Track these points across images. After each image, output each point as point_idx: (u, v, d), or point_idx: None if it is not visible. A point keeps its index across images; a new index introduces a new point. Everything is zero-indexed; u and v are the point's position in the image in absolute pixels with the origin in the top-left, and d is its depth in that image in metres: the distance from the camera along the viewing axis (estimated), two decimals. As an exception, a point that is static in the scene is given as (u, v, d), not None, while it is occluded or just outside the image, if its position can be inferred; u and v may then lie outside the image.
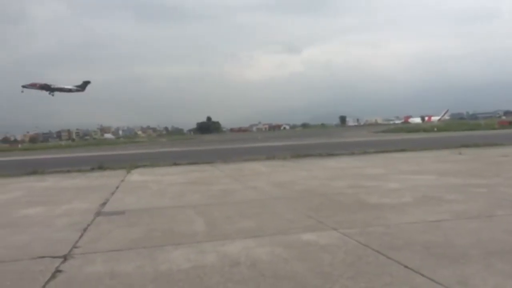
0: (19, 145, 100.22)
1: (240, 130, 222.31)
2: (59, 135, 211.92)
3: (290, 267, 5.44)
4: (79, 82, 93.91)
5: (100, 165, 20.97)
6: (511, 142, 26.83)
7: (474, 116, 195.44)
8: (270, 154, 24.18)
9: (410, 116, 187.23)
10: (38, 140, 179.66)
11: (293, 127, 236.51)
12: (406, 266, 5.21)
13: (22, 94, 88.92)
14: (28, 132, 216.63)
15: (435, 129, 64.01)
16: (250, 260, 5.77)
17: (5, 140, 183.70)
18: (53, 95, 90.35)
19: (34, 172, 20.19)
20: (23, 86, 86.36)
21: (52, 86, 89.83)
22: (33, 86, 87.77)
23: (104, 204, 10.79)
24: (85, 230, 8.00)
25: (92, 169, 20.59)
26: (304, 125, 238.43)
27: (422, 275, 4.91)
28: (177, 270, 5.49)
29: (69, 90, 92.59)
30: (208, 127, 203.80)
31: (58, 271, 5.66)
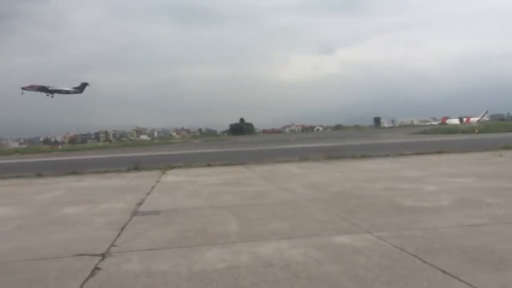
0: (60, 146, 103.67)
1: (273, 131, 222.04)
2: (97, 136, 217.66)
3: (324, 269, 5.41)
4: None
5: (136, 166, 21.43)
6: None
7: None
8: (303, 156, 24.06)
9: (448, 117, 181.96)
10: (77, 141, 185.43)
11: (326, 128, 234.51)
12: (443, 271, 5.09)
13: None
14: (68, 134, 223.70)
15: (476, 130, 62.09)
16: (284, 261, 5.77)
17: (46, 141, 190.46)
18: (52, 96, 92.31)
19: (73, 172, 20.86)
20: (23, 88, 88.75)
21: (49, 88, 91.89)
22: (32, 88, 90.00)
23: (140, 204, 11.03)
24: (122, 229, 8.20)
25: (129, 170, 21.08)
26: (338, 127, 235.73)
27: (461, 280, 4.78)
28: (211, 269, 5.56)
29: (67, 92, 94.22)
30: (241, 128, 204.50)
31: (96, 268, 5.83)
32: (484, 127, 70.10)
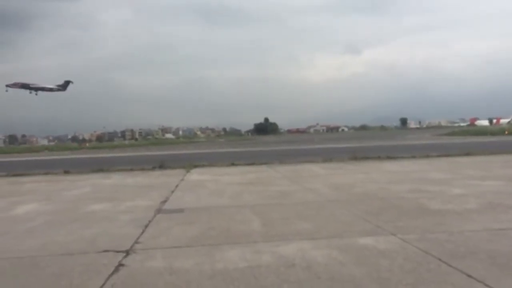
0: (87, 144, 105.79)
1: (298, 131, 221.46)
2: (123, 134, 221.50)
3: (346, 270, 5.37)
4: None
5: (161, 164, 21.69)
6: None
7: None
8: (327, 156, 23.91)
9: (477, 118, 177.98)
10: (104, 139, 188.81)
11: (351, 129, 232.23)
12: (469, 275, 4.98)
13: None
14: (95, 132, 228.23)
15: (506, 132, 60.43)
16: (306, 262, 5.76)
17: (74, 139, 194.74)
18: (36, 94, 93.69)
19: (100, 170, 21.27)
20: (7, 86, 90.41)
21: (31, 86, 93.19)
22: (15, 85, 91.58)
23: (164, 202, 11.17)
24: (146, 226, 8.32)
25: (154, 168, 21.36)
26: (363, 127, 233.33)
27: (486, 285, 4.67)
28: (233, 268, 5.59)
29: (50, 90, 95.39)
30: (265, 128, 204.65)
31: (120, 265, 5.94)
32: (514, 129, 68.18)
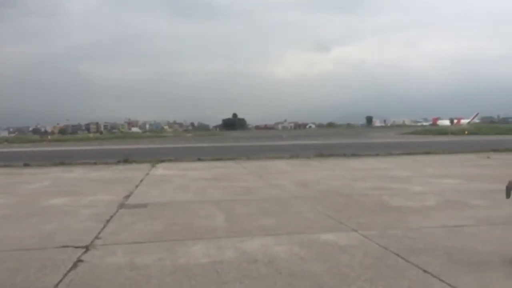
0: (49, 136, 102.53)
1: (266, 127, 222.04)
2: (87, 127, 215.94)
3: (307, 266, 5.44)
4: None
5: (126, 158, 21.33)
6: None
7: (505, 120, 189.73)
8: (294, 153, 24.13)
9: (439, 118, 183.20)
10: (67, 132, 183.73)
11: (319, 126, 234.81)
12: (425, 271, 5.14)
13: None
14: (58, 124, 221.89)
15: (466, 132, 62.54)
16: (268, 257, 5.79)
17: (36, 131, 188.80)
18: None
19: (62, 163, 20.72)
20: None
21: None
22: None
23: (127, 196, 10.99)
24: (108, 221, 8.17)
25: (118, 162, 20.98)
26: (330, 125, 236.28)
27: (442, 280, 4.83)
28: (195, 264, 5.56)
29: None
30: (233, 123, 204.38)
31: (79, 260, 5.81)
32: (474, 129, 70.68)
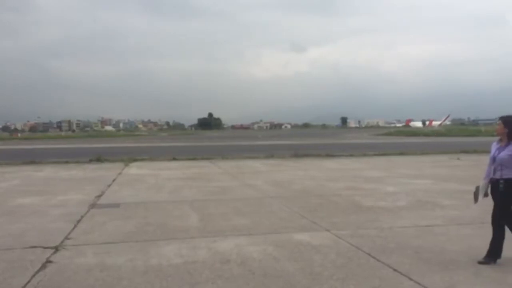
0: (19, 134, 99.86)
1: (241, 127, 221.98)
2: (59, 125, 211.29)
3: (280, 266, 5.45)
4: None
5: (99, 157, 20.97)
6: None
7: (475, 122, 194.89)
8: (269, 153, 24.19)
9: (412, 120, 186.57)
10: (38, 130, 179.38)
11: (294, 126, 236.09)
12: (395, 270, 5.22)
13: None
14: (28, 121, 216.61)
15: (440, 130, 63.87)
16: (241, 257, 5.78)
17: (5, 128, 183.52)
18: None
19: (32, 162, 20.23)
20: None
21: None
22: None
23: (99, 196, 10.80)
24: (78, 221, 8.01)
25: (90, 161, 20.61)
26: (305, 125, 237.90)
27: (411, 279, 4.91)
28: (168, 264, 5.51)
29: None
30: (209, 123, 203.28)
31: (48, 261, 5.67)
32: (445, 131, 72.30)
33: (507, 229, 5.51)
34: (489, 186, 5.59)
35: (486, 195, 5.62)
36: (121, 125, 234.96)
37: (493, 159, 5.50)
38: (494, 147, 5.61)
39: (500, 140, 5.55)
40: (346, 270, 5.24)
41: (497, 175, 5.42)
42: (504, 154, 5.37)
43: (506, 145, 5.42)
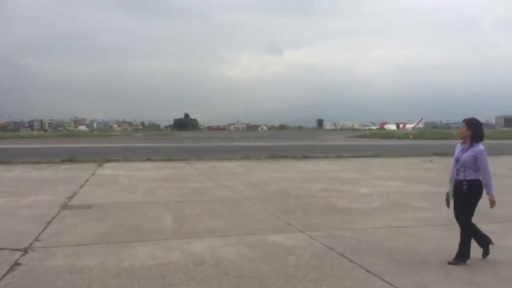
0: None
1: (218, 128, 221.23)
2: (31, 125, 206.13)
3: (254, 267, 5.44)
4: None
5: (71, 158, 20.54)
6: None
7: (447, 126, 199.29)
8: (245, 154, 24.16)
9: (386, 123, 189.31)
10: (8, 129, 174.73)
11: (271, 128, 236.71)
12: (368, 271, 5.28)
13: None
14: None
15: (411, 136, 65.01)
16: (215, 259, 5.75)
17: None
18: None
19: (1, 162, 19.64)
20: None
21: None
22: None
23: (71, 197, 10.58)
24: (49, 223, 7.83)
25: (63, 161, 20.17)
26: (282, 127, 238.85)
27: (383, 280, 4.98)
28: (140, 266, 5.43)
29: None
30: (185, 123, 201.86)
31: (16, 264, 5.53)
32: (418, 134, 73.65)
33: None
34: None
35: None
36: (95, 125, 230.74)
37: (457, 161, 5.65)
38: (458, 148, 5.76)
39: (464, 142, 5.70)
40: (319, 271, 5.27)
41: (461, 176, 5.57)
42: (466, 155, 5.52)
43: (469, 147, 5.57)
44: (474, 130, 5.57)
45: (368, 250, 6.17)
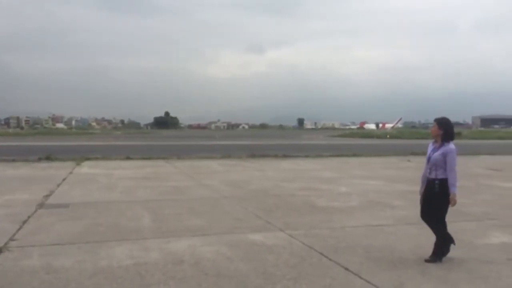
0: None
1: (199, 127, 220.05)
2: (7, 122, 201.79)
3: (233, 266, 5.44)
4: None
5: (48, 156, 20.16)
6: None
7: (425, 125, 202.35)
8: (226, 153, 24.12)
9: (366, 122, 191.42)
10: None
11: (252, 127, 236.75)
12: (346, 269, 5.33)
13: None
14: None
15: (388, 136, 65.85)
16: (195, 258, 5.73)
17: None
18: None
19: (-24, 160, 19.18)
20: None
21: None
22: None
23: (48, 196, 10.39)
24: (24, 222, 7.68)
25: (40, 159, 19.77)
26: (263, 126, 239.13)
27: (361, 278, 5.04)
28: (118, 266, 5.37)
29: None
30: (165, 122, 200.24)
31: (-10, 264, 5.40)
32: (397, 133, 74.65)
33: (448, 227, 5.76)
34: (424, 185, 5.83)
35: None
36: (73, 122, 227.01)
37: (428, 160, 5.76)
38: (430, 148, 5.88)
39: (435, 141, 5.81)
40: (298, 270, 5.30)
41: (433, 175, 5.68)
42: (437, 154, 5.63)
43: (440, 146, 5.67)
44: (445, 130, 5.68)
45: (347, 248, 6.23)
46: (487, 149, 29.60)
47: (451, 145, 5.64)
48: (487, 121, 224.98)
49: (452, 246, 5.77)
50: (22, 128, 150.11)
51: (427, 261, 5.62)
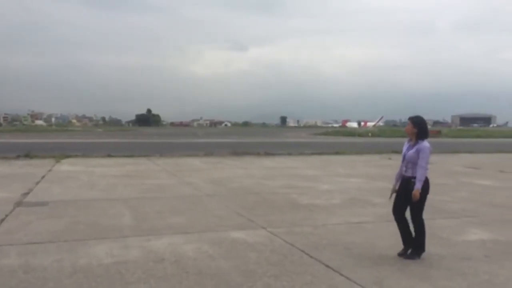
0: None
1: (181, 124, 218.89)
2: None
3: (215, 264, 5.43)
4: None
5: (27, 153, 19.80)
6: (436, 151, 28.42)
7: (406, 124, 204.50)
8: (208, 151, 24.04)
9: (348, 120, 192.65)
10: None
11: (234, 124, 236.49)
12: (327, 266, 5.37)
13: None
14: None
15: (370, 134, 66.50)
16: (175, 256, 5.70)
17: None
18: None
19: (-49, 157, 18.73)
20: None
21: None
22: None
23: (26, 194, 10.21)
24: (2, 220, 7.54)
25: (18, 157, 19.39)
26: (245, 123, 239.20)
27: (341, 274, 5.08)
28: (97, 265, 5.31)
29: None
30: (147, 119, 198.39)
31: (-34, 263, 5.28)
32: (378, 132, 75.44)
33: (428, 224, 5.84)
34: (399, 182, 5.89)
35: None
36: (53, 119, 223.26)
37: (404, 157, 5.84)
38: (405, 146, 5.96)
39: (410, 140, 5.89)
40: (280, 267, 5.31)
41: (409, 173, 5.75)
42: (412, 152, 5.72)
43: (415, 144, 5.76)
44: (420, 128, 5.78)
45: (328, 245, 6.27)
46: (466, 148, 30.12)
47: (425, 143, 5.72)
48: (466, 120, 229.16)
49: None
50: (0, 125, 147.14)
51: (406, 258, 5.70)
